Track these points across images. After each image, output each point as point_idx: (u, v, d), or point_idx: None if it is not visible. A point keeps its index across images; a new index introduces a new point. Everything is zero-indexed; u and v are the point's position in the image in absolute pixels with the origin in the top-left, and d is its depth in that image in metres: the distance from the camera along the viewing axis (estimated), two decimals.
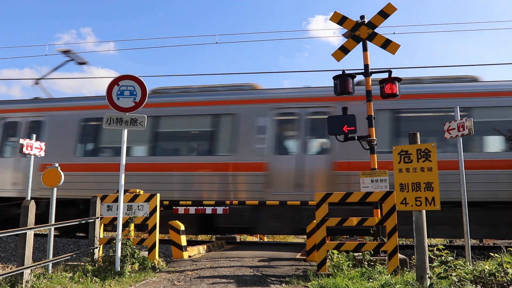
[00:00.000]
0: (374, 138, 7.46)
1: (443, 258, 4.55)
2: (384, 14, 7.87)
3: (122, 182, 6.46)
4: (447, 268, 4.41)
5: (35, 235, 15.41)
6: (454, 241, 16.42)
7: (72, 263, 6.77)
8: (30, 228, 5.18)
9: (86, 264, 6.34)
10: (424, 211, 4.81)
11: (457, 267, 4.47)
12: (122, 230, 6.53)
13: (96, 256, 6.63)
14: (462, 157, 6.71)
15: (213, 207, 8.94)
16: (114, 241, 6.57)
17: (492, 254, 5.45)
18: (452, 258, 4.58)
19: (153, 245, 7.13)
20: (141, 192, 7.85)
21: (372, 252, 6.33)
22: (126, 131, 6.59)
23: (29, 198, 6.52)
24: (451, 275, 4.29)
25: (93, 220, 6.81)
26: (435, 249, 4.82)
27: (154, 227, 7.15)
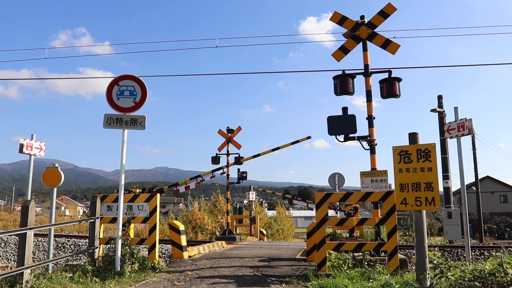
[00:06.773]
0: (374, 138, 7.46)
1: (435, 262, 4.54)
2: (384, 14, 7.86)
3: (122, 182, 6.44)
4: (442, 269, 4.40)
5: (35, 235, 15.41)
6: (454, 241, 16.42)
7: (72, 263, 6.77)
8: (30, 228, 5.17)
9: (86, 264, 6.33)
10: (424, 211, 4.81)
11: (452, 267, 4.45)
12: (122, 230, 6.53)
13: (96, 256, 6.63)
14: (462, 158, 6.71)
15: None
16: (114, 241, 6.57)
17: (493, 253, 5.45)
18: (443, 261, 4.56)
19: (153, 245, 7.12)
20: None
21: (372, 252, 6.32)
22: (126, 131, 6.57)
23: (28, 198, 6.52)
24: (446, 275, 4.28)
25: (93, 220, 6.80)
26: (435, 249, 4.80)
27: (154, 227, 7.14)
